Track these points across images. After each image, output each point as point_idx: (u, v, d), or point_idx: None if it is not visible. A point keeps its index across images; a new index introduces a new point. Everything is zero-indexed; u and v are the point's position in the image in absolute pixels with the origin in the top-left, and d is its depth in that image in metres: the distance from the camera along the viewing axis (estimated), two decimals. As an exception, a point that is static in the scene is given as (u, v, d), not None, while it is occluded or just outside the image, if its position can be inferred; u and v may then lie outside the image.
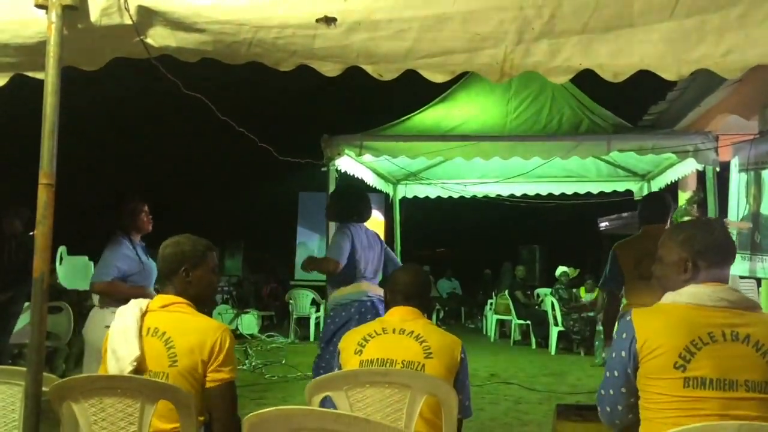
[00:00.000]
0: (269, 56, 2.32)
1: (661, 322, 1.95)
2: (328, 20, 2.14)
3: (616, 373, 2.01)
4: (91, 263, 6.68)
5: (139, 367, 2.27)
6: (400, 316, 2.60)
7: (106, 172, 15.17)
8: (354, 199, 4.50)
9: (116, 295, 3.74)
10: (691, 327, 1.90)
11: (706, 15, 2.03)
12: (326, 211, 4.64)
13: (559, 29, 2.10)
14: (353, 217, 4.39)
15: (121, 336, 2.32)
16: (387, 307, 2.74)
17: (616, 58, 2.15)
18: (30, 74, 2.49)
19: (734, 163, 4.79)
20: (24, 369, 2.16)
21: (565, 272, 11.02)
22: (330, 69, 2.35)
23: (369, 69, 2.33)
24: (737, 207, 4.72)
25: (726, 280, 2.02)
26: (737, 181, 4.75)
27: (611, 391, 2.04)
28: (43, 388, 2.14)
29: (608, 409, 2.06)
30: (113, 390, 2.14)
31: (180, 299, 2.42)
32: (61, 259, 7.12)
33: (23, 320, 5.67)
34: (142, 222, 4.14)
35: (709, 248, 2.01)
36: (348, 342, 2.59)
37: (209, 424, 2.32)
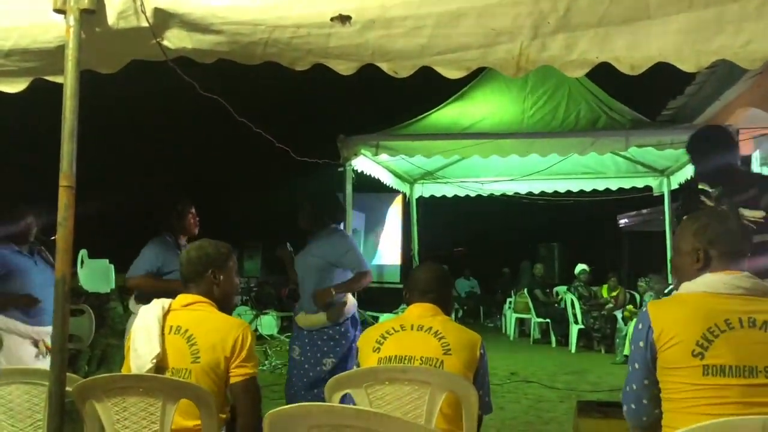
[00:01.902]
0: (285, 56, 2.32)
1: (676, 311, 1.94)
2: (343, 18, 2.14)
3: (636, 366, 2.00)
4: (112, 266, 6.73)
5: (161, 364, 2.30)
6: (417, 312, 2.59)
7: (124, 175, 15.31)
8: (336, 201, 4.33)
9: (151, 288, 3.71)
10: (708, 314, 1.88)
11: (725, 5, 2.00)
12: (306, 215, 4.09)
13: (574, 23, 2.08)
14: (337, 220, 4.17)
15: (143, 334, 2.35)
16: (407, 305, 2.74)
17: (633, 51, 2.13)
18: (50, 78, 2.52)
19: (756, 157, 4.75)
20: (48, 370, 2.20)
21: (584, 270, 10.95)
22: (345, 67, 2.36)
23: (384, 66, 2.33)
24: (759, 201, 4.66)
25: (742, 269, 2.00)
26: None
27: (634, 386, 2.01)
28: (67, 389, 2.17)
29: (633, 406, 2.03)
30: (135, 389, 2.16)
31: (202, 298, 2.46)
32: (82, 262, 7.18)
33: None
34: (189, 223, 4.15)
35: (721, 237, 2.00)
36: (366, 340, 2.60)
37: (230, 422, 2.34)
